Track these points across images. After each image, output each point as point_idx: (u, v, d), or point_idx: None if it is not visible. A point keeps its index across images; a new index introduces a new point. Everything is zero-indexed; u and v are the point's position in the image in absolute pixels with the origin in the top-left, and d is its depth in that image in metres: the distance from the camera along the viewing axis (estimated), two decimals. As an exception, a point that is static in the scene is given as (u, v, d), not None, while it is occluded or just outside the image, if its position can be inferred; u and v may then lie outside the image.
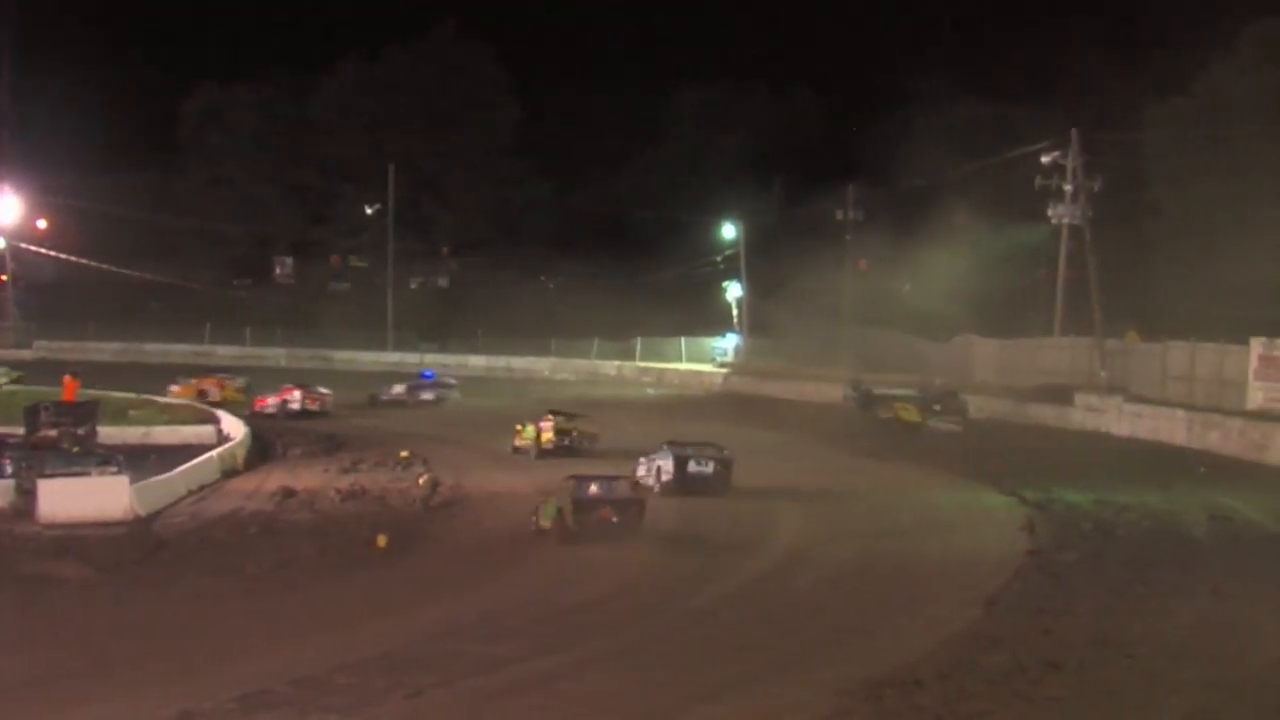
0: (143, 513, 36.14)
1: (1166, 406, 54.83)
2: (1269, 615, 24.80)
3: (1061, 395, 61.33)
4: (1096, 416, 57.94)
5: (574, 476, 35.70)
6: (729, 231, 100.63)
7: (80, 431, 49.46)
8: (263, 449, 51.17)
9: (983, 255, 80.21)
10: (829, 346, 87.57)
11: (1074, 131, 65.71)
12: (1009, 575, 28.38)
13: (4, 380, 72.18)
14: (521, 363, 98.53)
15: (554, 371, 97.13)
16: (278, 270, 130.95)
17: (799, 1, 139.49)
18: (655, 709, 19.41)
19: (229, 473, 44.97)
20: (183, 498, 39.72)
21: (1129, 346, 62.70)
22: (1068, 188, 65.52)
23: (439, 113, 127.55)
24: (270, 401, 65.56)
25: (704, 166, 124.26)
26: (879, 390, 64.18)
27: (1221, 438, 49.56)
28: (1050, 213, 66.89)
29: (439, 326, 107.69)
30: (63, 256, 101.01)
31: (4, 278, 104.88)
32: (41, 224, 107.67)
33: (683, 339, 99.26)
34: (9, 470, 39.27)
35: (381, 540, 32.42)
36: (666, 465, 39.82)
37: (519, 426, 51.78)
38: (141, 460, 42.73)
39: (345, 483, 42.46)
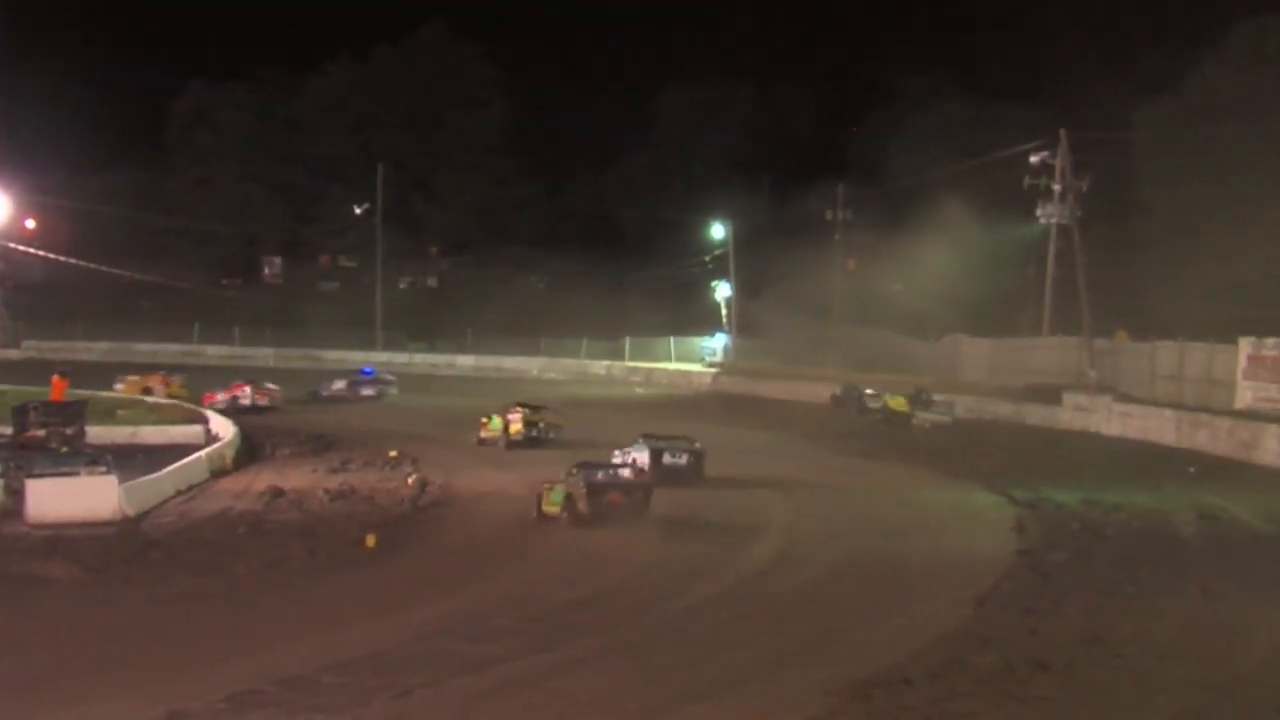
0: (131, 513, 36.06)
1: (1155, 406, 54.95)
2: (1258, 615, 24.82)
3: (1050, 395, 61.42)
4: (1085, 416, 58.01)
5: (583, 464, 36.60)
6: (718, 231, 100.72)
7: (68, 431, 49.48)
8: (251, 449, 51.17)
9: (972, 255, 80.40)
10: (818, 346, 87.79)
11: (1062, 131, 65.85)
12: (998, 575, 28.36)
13: None
14: (510, 362, 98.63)
15: (543, 371, 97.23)
16: (266, 270, 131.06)
17: (788, 0, 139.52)
18: (645, 708, 19.39)
19: (217, 473, 44.94)
20: (171, 498, 39.66)
21: (1118, 346, 62.83)
22: (1056, 187, 65.73)
23: (428, 112, 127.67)
24: (220, 397, 67.21)
25: (693, 165, 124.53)
26: (869, 393, 64.16)
27: (1210, 437, 49.64)
28: (1039, 212, 67.10)
29: (428, 326, 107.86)
30: (51, 256, 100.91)
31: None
32: (30, 223, 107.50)
33: (672, 339, 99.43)
34: (-3, 470, 39.25)
35: (370, 540, 32.39)
36: (642, 457, 40.24)
37: (484, 419, 54.05)
38: (130, 460, 42.67)
39: (334, 482, 42.45)
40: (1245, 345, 52.54)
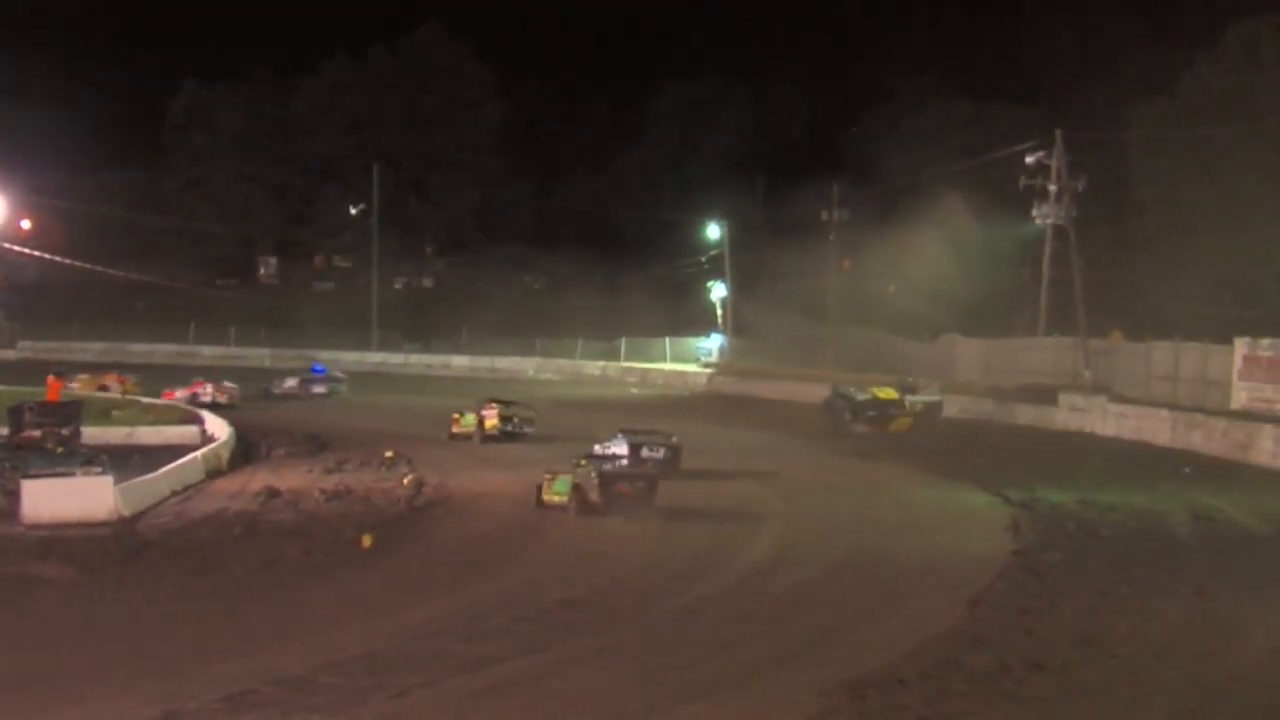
0: (127, 513, 36.06)
1: (1151, 406, 54.93)
2: (1253, 615, 24.83)
3: (1046, 395, 61.39)
4: (1080, 416, 58.00)
5: (590, 455, 37.73)
6: (714, 231, 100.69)
7: (64, 432, 49.43)
8: (247, 449, 51.19)
9: (967, 255, 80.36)
10: (814, 346, 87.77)
11: (1058, 132, 65.86)
12: (993, 575, 28.35)
13: None
14: (505, 363, 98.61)
15: (538, 371, 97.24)
16: (262, 270, 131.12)
17: (783, 1, 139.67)
18: (641, 708, 19.39)
19: (213, 473, 44.94)
20: (167, 498, 39.65)
21: (1113, 346, 62.83)
22: (1052, 188, 65.69)
23: (423, 112, 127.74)
24: (179, 394, 69.81)
25: (687, 166, 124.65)
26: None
27: (1205, 438, 49.64)
28: (1034, 213, 67.07)
29: (423, 326, 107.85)
30: (47, 256, 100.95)
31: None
32: (26, 224, 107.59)
33: (667, 339, 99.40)
34: (-8, 471, 39.26)
35: (366, 540, 32.39)
36: (620, 450, 40.47)
37: (456, 415, 56.92)
38: (125, 461, 42.70)
39: (330, 483, 42.44)
40: (1241, 345, 52.53)
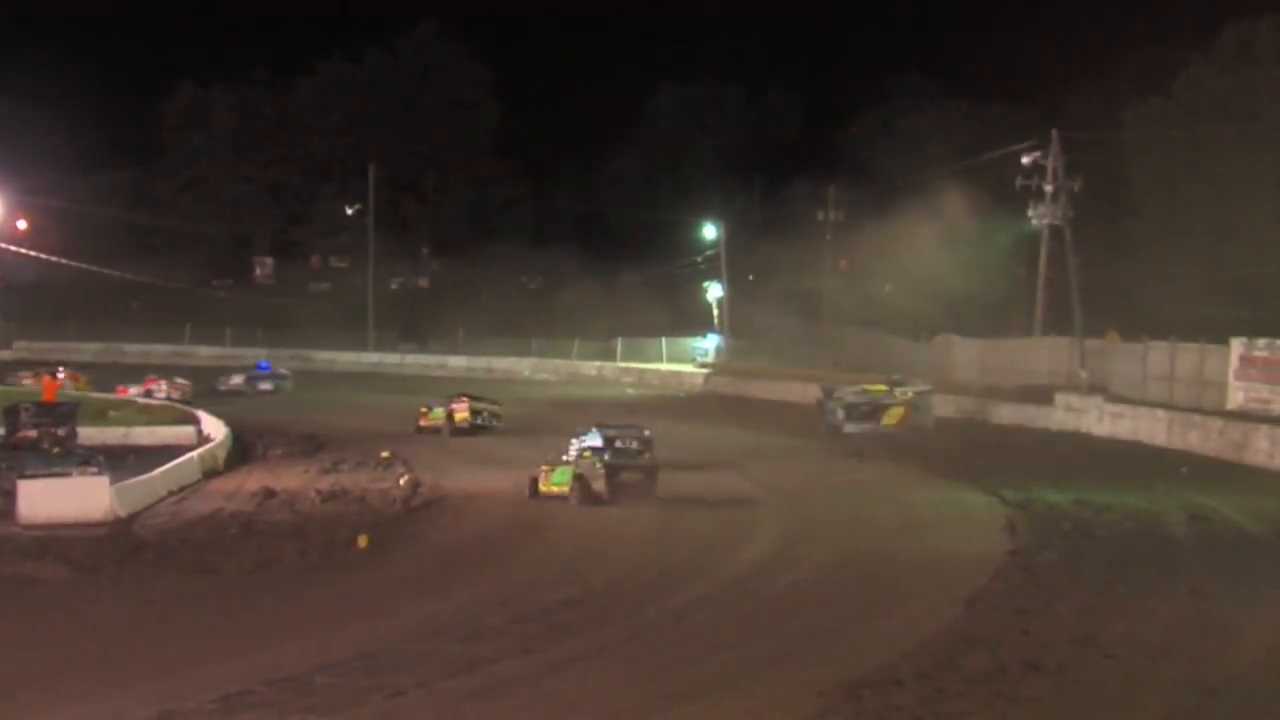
0: (123, 513, 36.06)
1: (1147, 406, 54.89)
2: (1249, 615, 24.84)
3: (1042, 395, 61.32)
4: (1077, 417, 57.96)
5: (593, 448, 39.01)
6: (709, 231, 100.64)
7: (60, 432, 49.39)
8: (243, 450, 51.14)
9: (964, 255, 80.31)
10: (810, 347, 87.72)
11: (1054, 132, 65.79)
12: (989, 575, 28.36)
13: None
14: (502, 363, 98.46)
15: (534, 371, 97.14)
16: (258, 270, 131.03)
17: (777, 1, 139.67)
18: (636, 708, 19.40)
19: (209, 473, 44.95)
20: (163, 498, 39.66)
21: (1109, 347, 62.77)
22: (1048, 188, 65.63)
23: (418, 113, 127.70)
24: (133, 391, 71.30)
25: (683, 166, 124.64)
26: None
27: (1201, 438, 49.63)
28: (1031, 213, 67.01)
29: (419, 327, 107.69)
30: (43, 256, 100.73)
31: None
32: (21, 224, 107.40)
33: (663, 339, 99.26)
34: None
35: (362, 541, 32.39)
36: (596, 443, 40.73)
37: (423, 409, 58.84)
38: (121, 461, 42.70)
39: (326, 483, 42.46)
40: (1237, 346, 52.47)
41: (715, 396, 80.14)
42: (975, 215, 79.29)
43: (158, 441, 51.85)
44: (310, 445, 52.75)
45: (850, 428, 57.92)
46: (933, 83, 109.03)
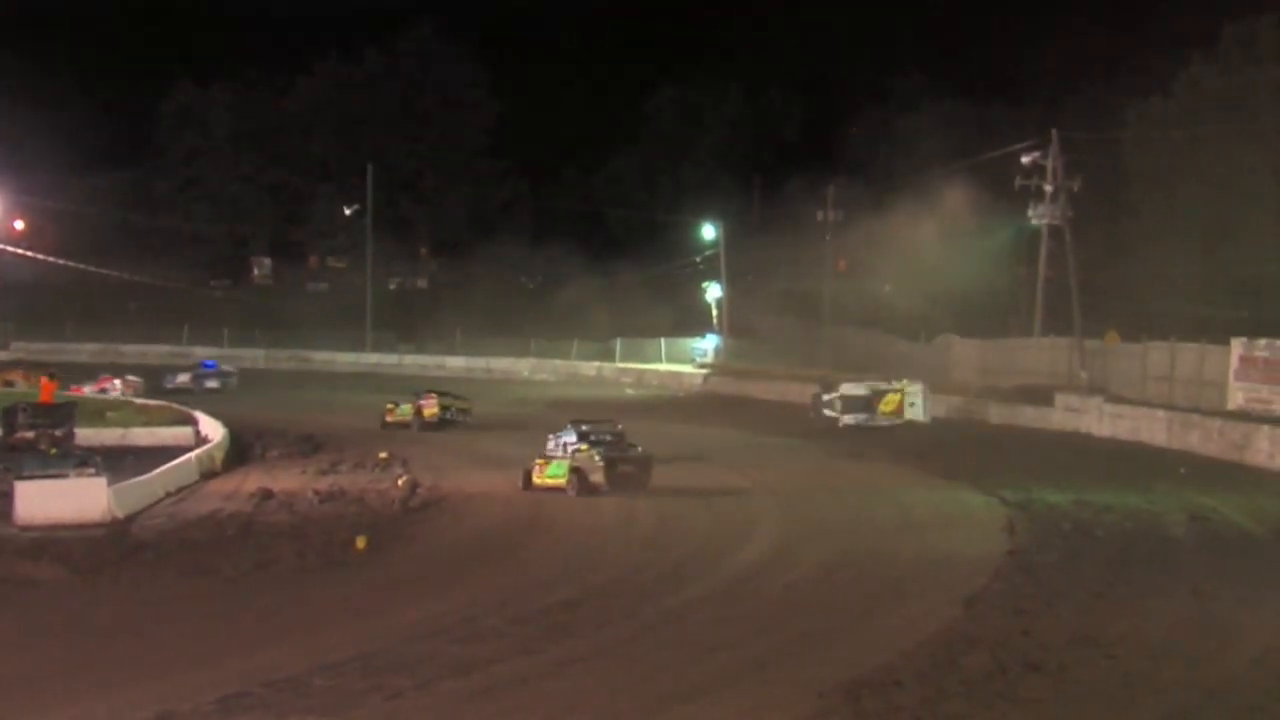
0: (121, 514, 36.03)
1: (1147, 407, 54.90)
2: (1249, 615, 24.80)
3: (1042, 396, 61.33)
4: (1077, 417, 57.96)
5: (595, 444, 40.46)
6: (709, 232, 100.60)
7: (58, 433, 49.40)
8: (241, 450, 51.13)
9: (963, 255, 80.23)
10: (809, 347, 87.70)
11: (1054, 132, 65.76)
12: (989, 575, 28.32)
13: None
14: (500, 363, 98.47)
15: (533, 372, 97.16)
16: (255, 271, 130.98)
17: (777, 1, 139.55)
18: (635, 708, 19.35)
19: (207, 474, 44.96)
20: (161, 499, 39.65)
21: (1109, 347, 62.77)
22: (1048, 188, 65.61)
23: (416, 113, 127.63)
24: (88, 389, 72.66)
25: (683, 166, 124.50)
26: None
27: (1201, 438, 49.63)
28: (1030, 213, 67.02)
29: (417, 327, 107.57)
30: (41, 257, 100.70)
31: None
32: (19, 224, 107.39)
33: (663, 339, 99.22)
34: (-14, 472, 39.22)
35: (360, 541, 32.34)
36: (571, 439, 40.99)
37: (390, 405, 60.89)
38: (119, 462, 42.68)
39: (324, 484, 42.50)
40: (1237, 346, 52.47)
41: (714, 396, 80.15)
42: (975, 215, 79.21)
43: (155, 442, 51.86)
44: (308, 446, 52.75)
45: (848, 419, 58.07)
46: (933, 83, 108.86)
